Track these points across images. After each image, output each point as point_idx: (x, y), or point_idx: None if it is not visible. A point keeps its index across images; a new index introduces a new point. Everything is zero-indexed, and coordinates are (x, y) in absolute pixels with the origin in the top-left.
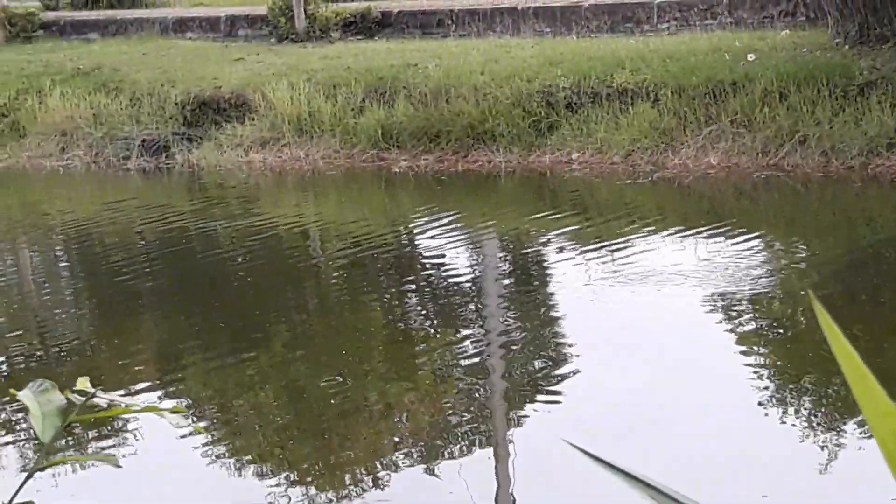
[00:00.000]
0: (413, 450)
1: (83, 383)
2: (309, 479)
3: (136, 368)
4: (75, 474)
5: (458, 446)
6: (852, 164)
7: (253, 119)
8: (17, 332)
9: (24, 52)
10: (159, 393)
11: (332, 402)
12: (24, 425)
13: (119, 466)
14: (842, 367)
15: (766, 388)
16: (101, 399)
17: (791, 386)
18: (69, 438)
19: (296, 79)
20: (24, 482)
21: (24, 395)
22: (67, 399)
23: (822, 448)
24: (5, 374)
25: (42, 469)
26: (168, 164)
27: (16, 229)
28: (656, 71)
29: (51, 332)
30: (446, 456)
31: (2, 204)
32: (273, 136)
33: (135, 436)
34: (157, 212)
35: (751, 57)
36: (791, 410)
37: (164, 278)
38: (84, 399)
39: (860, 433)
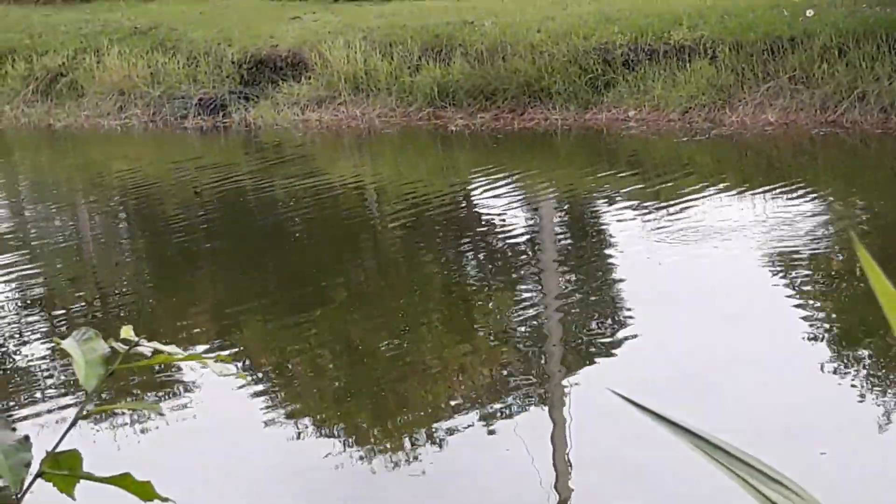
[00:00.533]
0: (470, 407)
1: (127, 332)
2: (366, 436)
3: (193, 325)
4: (120, 424)
5: (516, 404)
6: None
7: (309, 78)
8: (78, 290)
9: (83, 11)
10: (216, 349)
11: (390, 359)
12: (69, 374)
13: (162, 414)
14: (882, 306)
15: (824, 345)
16: (145, 348)
17: (848, 343)
18: (115, 389)
19: (352, 37)
20: (67, 429)
21: (68, 344)
22: (111, 347)
23: (879, 405)
24: (64, 329)
25: (85, 417)
26: (225, 122)
27: (76, 188)
28: (714, 27)
29: (110, 289)
30: (503, 414)
31: (62, 163)
32: (329, 94)
33: (182, 388)
34: (215, 171)
35: (809, 13)
36: (849, 368)
37: (223, 237)
38: (128, 347)
39: None
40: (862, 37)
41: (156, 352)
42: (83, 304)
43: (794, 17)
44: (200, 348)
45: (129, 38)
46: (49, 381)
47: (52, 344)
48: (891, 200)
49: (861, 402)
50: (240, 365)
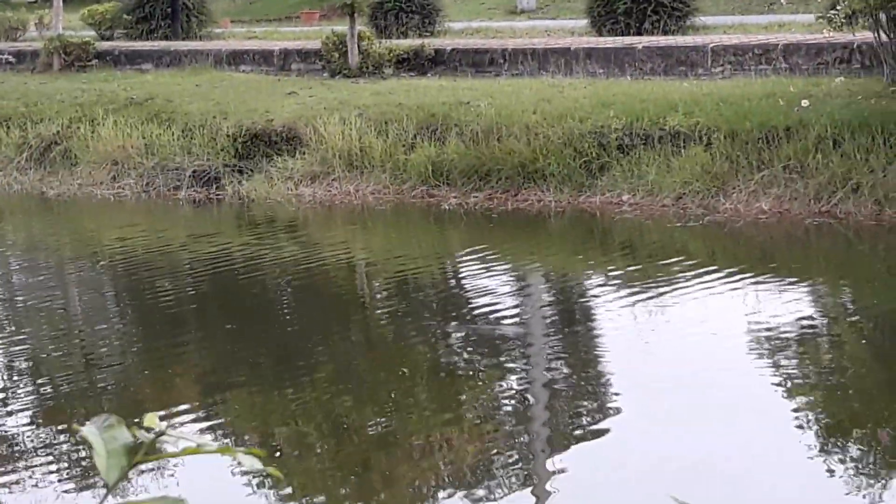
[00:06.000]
0: (455, 489)
1: (151, 419)
2: None
3: (179, 398)
4: None
5: (501, 487)
6: None
7: (304, 153)
8: (64, 361)
9: (79, 80)
10: (201, 423)
11: (376, 438)
12: (87, 463)
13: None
14: None
15: (813, 436)
16: (171, 437)
17: (840, 436)
18: (135, 478)
19: (347, 114)
20: None
21: (88, 431)
22: (135, 436)
23: (870, 499)
24: (51, 403)
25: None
26: (218, 195)
27: (65, 258)
28: (709, 114)
29: (96, 361)
30: (488, 497)
31: (52, 232)
32: (323, 170)
33: (205, 476)
34: (207, 243)
35: (805, 103)
36: (838, 459)
37: (213, 311)
38: (153, 437)
39: None
40: (857, 128)
41: (182, 442)
42: (70, 375)
43: (790, 107)
44: (185, 422)
45: (125, 109)
46: (60, 469)
47: (54, 426)
48: (883, 293)
49: (849, 494)
50: (257, 447)
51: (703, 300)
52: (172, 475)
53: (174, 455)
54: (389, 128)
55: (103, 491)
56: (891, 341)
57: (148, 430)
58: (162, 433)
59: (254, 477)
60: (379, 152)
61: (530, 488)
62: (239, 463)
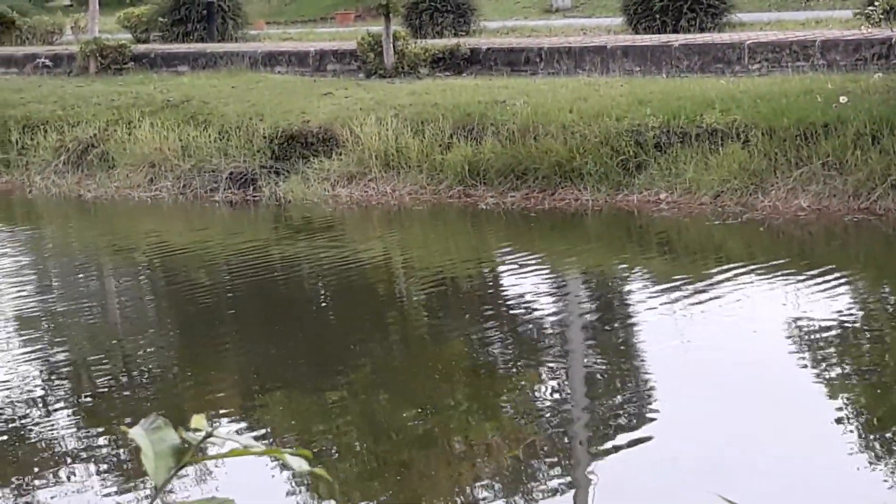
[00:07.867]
0: (495, 490)
1: (199, 421)
2: None
3: (218, 401)
4: None
5: (540, 488)
6: None
7: (340, 154)
8: (104, 364)
9: (115, 83)
10: (239, 424)
11: (414, 439)
12: (135, 464)
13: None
14: None
15: (853, 429)
16: (218, 439)
17: (881, 431)
18: (184, 478)
19: (384, 114)
20: None
21: (136, 433)
22: (182, 438)
23: None
24: (90, 406)
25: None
26: (255, 196)
27: (104, 260)
28: (747, 112)
29: (135, 364)
30: (528, 498)
31: (91, 234)
32: (360, 170)
33: (253, 476)
34: (244, 245)
35: (843, 99)
36: (884, 456)
37: (251, 313)
38: (200, 439)
39: None
40: None
41: (229, 444)
42: (109, 377)
43: (828, 104)
44: (224, 424)
45: (161, 111)
46: (104, 471)
47: (96, 428)
48: None
49: (892, 488)
50: (307, 449)
51: (741, 298)
52: (211, 476)
53: (222, 456)
54: (426, 128)
55: (141, 493)
56: None
57: (197, 431)
58: (210, 434)
59: (296, 477)
60: (415, 152)
61: (570, 486)
62: (285, 464)
